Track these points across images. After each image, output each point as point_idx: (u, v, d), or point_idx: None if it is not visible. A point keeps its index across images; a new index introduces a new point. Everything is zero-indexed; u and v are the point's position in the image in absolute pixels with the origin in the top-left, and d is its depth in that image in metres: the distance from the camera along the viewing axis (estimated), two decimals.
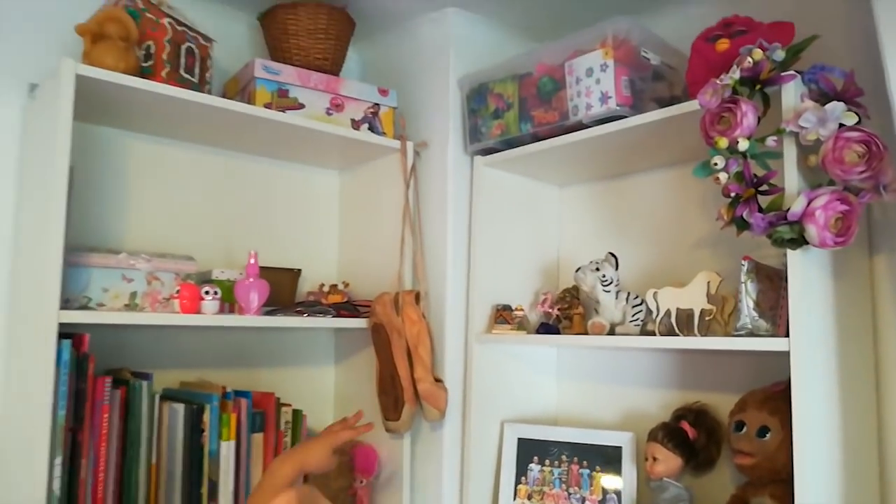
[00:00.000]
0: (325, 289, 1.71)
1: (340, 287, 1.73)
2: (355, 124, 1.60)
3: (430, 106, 1.67)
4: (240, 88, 1.54)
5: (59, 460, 1.13)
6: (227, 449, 1.35)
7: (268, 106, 1.47)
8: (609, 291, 1.44)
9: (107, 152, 1.50)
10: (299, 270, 1.70)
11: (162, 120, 1.45)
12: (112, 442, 1.23)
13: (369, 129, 1.62)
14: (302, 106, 1.52)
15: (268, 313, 1.49)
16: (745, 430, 1.26)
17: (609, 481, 1.49)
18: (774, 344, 1.10)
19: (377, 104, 1.64)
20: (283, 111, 1.48)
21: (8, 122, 1.38)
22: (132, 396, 1.26)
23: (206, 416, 1.33)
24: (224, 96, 1.55)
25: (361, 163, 1.78)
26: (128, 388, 1.26)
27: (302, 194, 1.81)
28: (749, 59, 1.10)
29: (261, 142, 1.62)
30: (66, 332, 1.16)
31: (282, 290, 1.62)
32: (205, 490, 1.32)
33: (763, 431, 1.23)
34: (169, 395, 1.35)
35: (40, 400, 1.11)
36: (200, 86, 1.40)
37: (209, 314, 1.36)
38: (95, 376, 1.20)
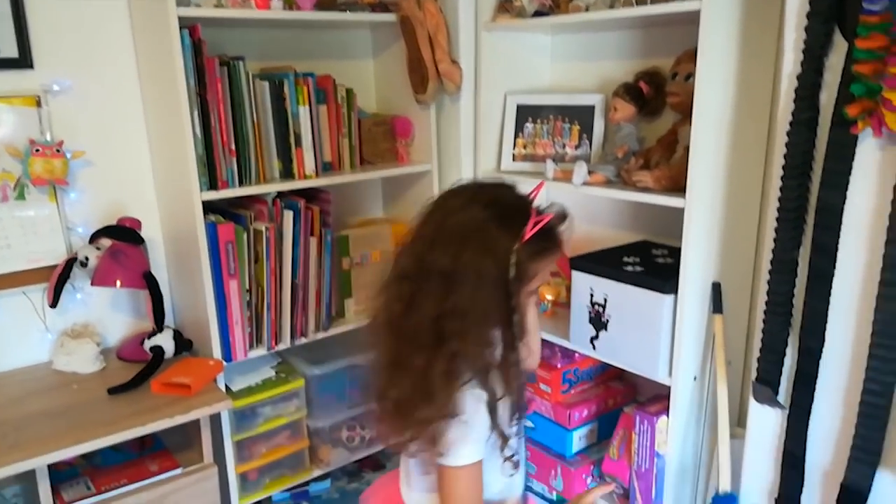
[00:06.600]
0: None
1: None
2: None
3: None
4: None
5: (196, 113, 1.67)
6: (303, 112, 1.88)
7: None
8: None
9: None
10: None
11: None
12: (227, 105, 1.74)
13: None
14: None
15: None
16: (677, 77, 1.72)
17: (583, 130, 1.99)
18: (688, 6, 1.49)
19: None
20: None
21: None
22: (234, 73, 1.75)
23: (286, 89, 1.83)
24: None
25: None
26: (229, 66, 1.75)
27: None
28: None
29: None
30: (183, 26, 1.62)
31: None
32: (292, 140, 1.87)
33: (688, 76, 1.68)
34: (257, 76, 1.83)
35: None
36: None
37: (275, 10, 1.79)
38: (208, 57, 1.69)
